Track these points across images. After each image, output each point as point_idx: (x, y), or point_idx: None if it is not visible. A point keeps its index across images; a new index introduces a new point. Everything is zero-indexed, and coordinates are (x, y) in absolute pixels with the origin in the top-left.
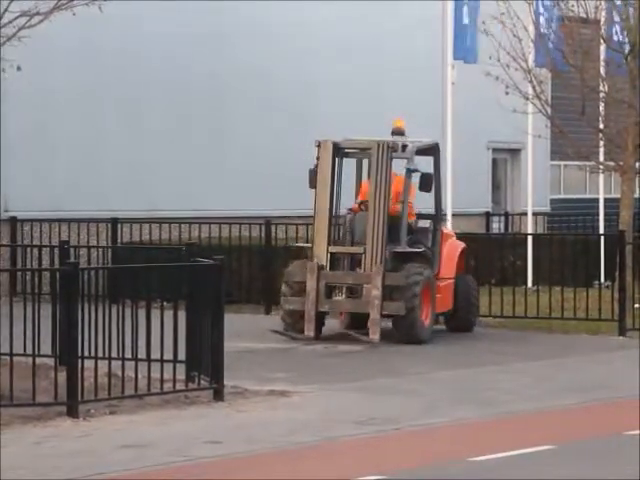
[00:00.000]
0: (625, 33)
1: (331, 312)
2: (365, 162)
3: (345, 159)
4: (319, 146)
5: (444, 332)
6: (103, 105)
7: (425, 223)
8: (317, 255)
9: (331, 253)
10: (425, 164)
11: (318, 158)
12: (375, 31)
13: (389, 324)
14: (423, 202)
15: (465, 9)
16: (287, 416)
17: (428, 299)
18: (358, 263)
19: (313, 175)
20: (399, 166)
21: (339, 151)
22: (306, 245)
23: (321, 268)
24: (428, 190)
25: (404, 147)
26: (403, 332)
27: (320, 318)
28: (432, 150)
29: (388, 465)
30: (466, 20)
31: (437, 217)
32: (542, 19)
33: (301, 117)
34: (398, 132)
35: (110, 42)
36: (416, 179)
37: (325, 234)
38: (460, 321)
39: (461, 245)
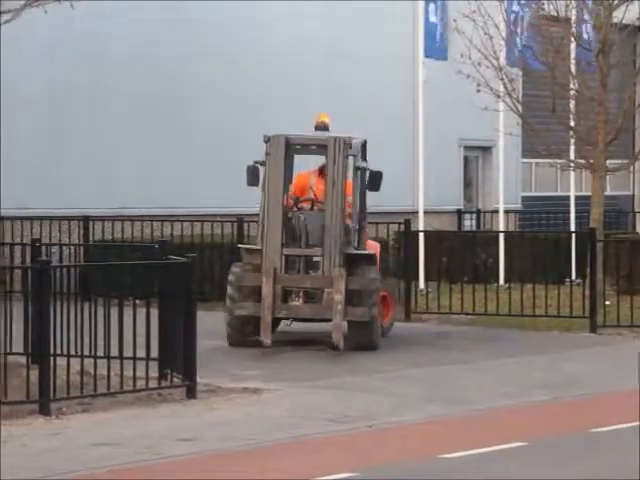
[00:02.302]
0: (595, 32)
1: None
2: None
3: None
4: (268, 142)
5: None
6: (72, 104)
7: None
8: (270, 257)
9: (285, 255)
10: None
11: (268, 154)
12: (346, 29)
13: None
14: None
15: (432, 7)
16: (260, 413)
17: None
18: (312, 265)
19: (252, 172)
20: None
21: (290, 147)
22: (253, 247)
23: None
24: (377, 189)
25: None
26: (362, 338)
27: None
28: (361, 147)
29: (361, 462)
30: (433, 18)
31: (363, 216)
32: (513, 17)
33: (273, 116)
34: (322, 127)
35: (79, 37)
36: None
37: (279, 235)
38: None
39: (378, 246)
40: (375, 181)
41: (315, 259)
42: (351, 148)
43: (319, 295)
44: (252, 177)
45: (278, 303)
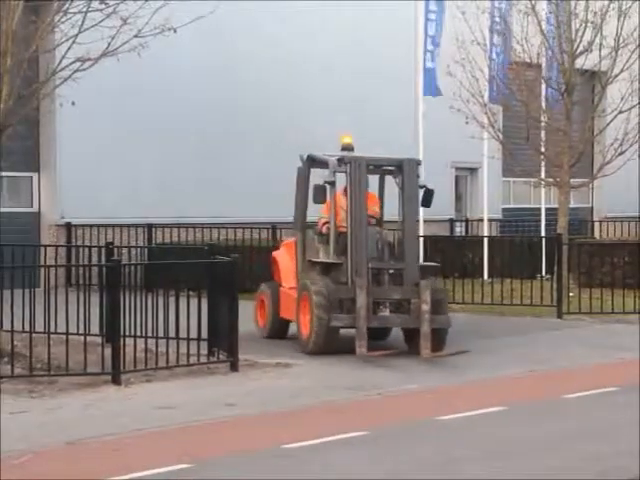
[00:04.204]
0: (561, 75)
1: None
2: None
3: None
4: (351, 163)
5: None
6: (142, 134)
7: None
8: (360, 271)
9: (370, 268)
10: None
11: (348, 174)
12: (362, 70)
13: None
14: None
15: (428, 55)
16: (291, 383)
17: None
18: (391, 277)
19: (321, 191)
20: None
21: (367, 168)
22: (332, 261)
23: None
24: (429, 205)
25: None
26: (440, 341)
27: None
28: None
29: (372, 422)
30: (430, 64)
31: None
32: (495, 63)
33: (294, 142)
34: (348, 148)
35: (144, 79)
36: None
37: (364, 249)
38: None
39: None
40: (428, 197)
41: (391, 271)
42: (419, 167)
43: (405, 305)
44: (320, 195)
45: (370, 314)
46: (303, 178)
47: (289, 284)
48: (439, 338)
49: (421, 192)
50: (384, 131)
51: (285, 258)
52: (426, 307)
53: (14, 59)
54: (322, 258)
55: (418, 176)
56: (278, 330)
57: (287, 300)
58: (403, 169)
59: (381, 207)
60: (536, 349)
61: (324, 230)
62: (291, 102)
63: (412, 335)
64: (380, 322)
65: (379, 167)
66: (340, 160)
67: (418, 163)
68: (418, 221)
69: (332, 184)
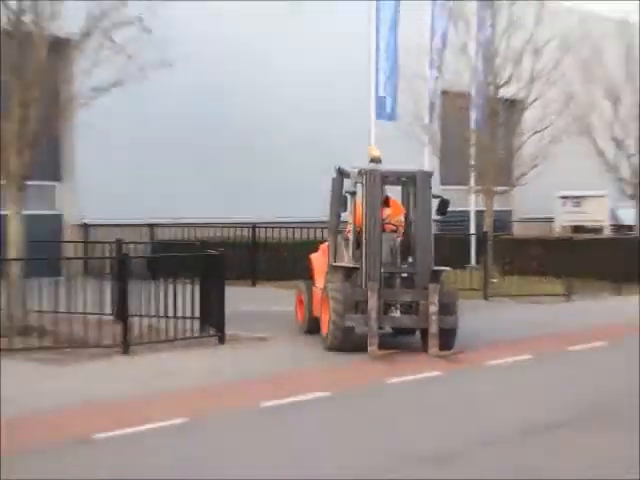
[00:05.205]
0: (487, 102)
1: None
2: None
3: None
4: (367, 174)
5: None
6: (146, 151)
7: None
8: (373, 275)
9: (382, 272)
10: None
11: (363, 185)
12: (323, 96)
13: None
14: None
15: (381, 85)
16: (268, 353)
17: None
18: (403, 281)
19: (343, 201)
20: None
21: (384, 179)
22: (350, 265)
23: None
24: (444, 214)
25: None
26: (448, 341)
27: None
28: None
29: (334, 386)
30: (382, 92)
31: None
32: (432, 92)
33: (267, 153)
34: (376, 160)
35: (148, 103)
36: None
37: (379, 256)
38: None
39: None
40: (444, 207)
41: (404, 275)
42: (431, 179)
43: (415, 307)
44: (342, 205)
45: (381, 315)
46: (336, 187)
47: (320, 285)
48: (447, 338)
49: (436, 202)
50: (343, 149)
51: (320, 260)
52: (434, 308)
53: (40, 90)
54: (344, 262)
55: (430, 187)
56: (313, 326)
57: (317, 299)
58: (416, 180)
59: (407, 215)
60: (467, 326)
61: (349, 236)
62: (259, 121)
63: (426, 334)
64: (391, 322)
65: (397, 178)
66: (360, 172)
67: (430, 175)
68: (431, 229)
69: (353, 194)
